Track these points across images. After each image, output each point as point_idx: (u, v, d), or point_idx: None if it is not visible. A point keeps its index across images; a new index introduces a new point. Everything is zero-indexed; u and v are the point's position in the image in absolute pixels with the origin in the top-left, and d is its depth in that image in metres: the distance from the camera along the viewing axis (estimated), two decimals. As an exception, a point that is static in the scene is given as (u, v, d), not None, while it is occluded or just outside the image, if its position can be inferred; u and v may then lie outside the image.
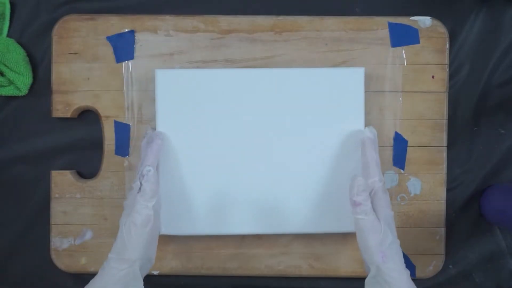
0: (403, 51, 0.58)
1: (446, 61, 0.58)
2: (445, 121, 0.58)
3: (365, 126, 0.54)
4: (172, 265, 0.58)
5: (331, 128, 0.54)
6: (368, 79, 0.57)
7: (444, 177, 0.58)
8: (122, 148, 0.58)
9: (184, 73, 0.54)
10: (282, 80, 0.54)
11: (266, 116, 0.54)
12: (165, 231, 0.55)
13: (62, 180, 0.58)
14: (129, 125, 0.58)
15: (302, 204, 0.55)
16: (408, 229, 0.58)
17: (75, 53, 0.58)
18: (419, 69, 0.58)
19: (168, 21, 0.58)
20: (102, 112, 0.58)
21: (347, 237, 0.58)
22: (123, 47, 0.57)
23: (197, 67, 0.57)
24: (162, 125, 0.54)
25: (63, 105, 0.58)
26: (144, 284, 0.59)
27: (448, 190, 0.59)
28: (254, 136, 0.55)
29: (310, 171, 0.55)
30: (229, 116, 0.54)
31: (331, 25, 0.58)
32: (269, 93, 0.54)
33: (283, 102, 0.54)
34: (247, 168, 0.55)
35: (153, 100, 0.57)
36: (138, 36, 0.58)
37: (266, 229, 0.55)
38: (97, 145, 0.59)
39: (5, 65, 0.58)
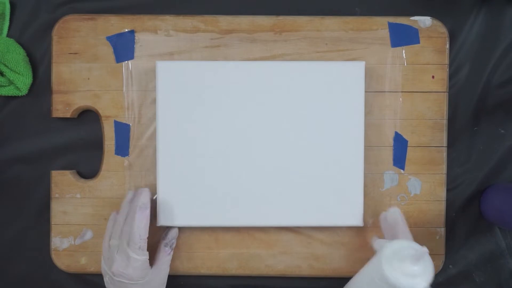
0: (403, 51, 0.58)
1: (446, 61, 0.58)
2: (445, 121, 0.58)
3: (364, 123, 0.55)
4: (172, 265, 0.58)
5: (332, 121, 0.55)
6: (368, 79, 0.57)
7: (444, 177, 0.58)
8: (122, 148, 0.58)
9: (185, 65, 0.55)
10: (283, 73, 0.55)
11: (266, 109, 0.55)
12: (163, 222, 0.55)
13: (62, 180, 0.58)
14: (129, 125, 0.58)
15: (301, 197, 0.55)
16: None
17: (75, 53, 0.58)
18: (419, 69, 0.58)
19: (168, 21, 0.58)
20: (102, 112, 0.58)
21: (347, 237, 0.58)
22: (123, 47, 0.57)
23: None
24: (162, 117, 0.55)
25: (63, 105, 0.58)
26: (144, 284, 0.59)
27: (448, 190, 0.59)
28: (254, 130, 0.55)
29: (310, 164, 0.55)
30: (229, 109, 0.55)
31: (331, 25, 0.58)
32: (270, 85, 0.55)
33: (284, 95, 0.55)
34: (248, 161, 0.55)
35: (153, 100, 0.57)
36: (138, 36, 0.58)
37: (267, 221, 0.55)
38: (97, 145, 0.59)
39: (5, 65, 0.58)
